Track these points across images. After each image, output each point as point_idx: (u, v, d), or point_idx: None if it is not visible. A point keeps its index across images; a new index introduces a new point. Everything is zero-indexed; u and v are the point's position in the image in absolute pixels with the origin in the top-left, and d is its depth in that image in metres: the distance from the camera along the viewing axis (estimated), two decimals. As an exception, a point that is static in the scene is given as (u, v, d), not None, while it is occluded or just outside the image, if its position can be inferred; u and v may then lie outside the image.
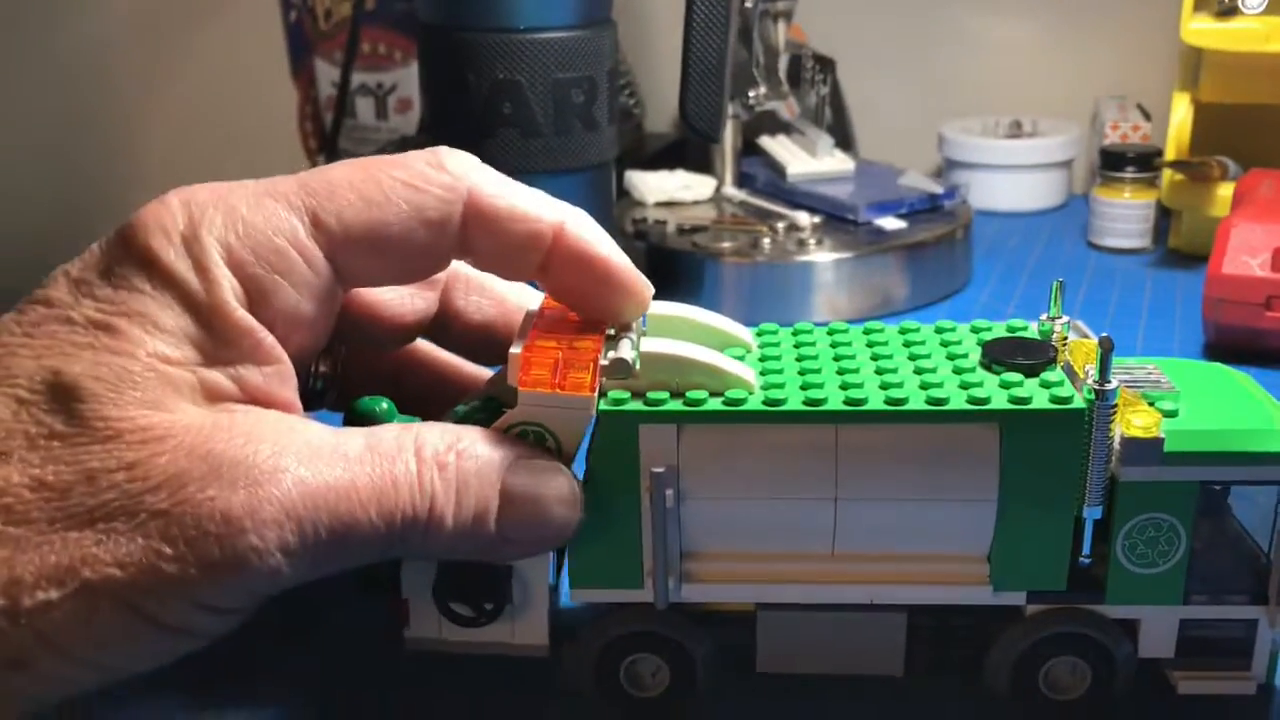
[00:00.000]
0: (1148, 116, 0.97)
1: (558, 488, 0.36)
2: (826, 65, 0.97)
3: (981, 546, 0.38)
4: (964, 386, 0.38)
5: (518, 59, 0.70)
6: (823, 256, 0.80)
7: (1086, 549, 0.38)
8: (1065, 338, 0.42)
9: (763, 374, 0.39)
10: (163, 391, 0.32)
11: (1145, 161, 0.88)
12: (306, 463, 0.32)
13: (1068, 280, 0.86)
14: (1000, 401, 0.37)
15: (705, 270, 0.81)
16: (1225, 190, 0.82)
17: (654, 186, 0.91)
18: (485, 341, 0.44)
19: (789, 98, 0.92)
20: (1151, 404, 0.38)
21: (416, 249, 0.36)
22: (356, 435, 0.34)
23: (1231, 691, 0.39)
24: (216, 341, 0.33)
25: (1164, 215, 0.90)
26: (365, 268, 0.36)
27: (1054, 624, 0.39)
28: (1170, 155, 0.85)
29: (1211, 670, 0.39)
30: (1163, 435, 0.37)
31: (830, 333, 0.43)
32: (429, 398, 0.45)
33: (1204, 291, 0.69)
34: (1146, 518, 0.37)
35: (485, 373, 0.46)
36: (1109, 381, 0.37)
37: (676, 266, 0.82)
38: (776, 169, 0.91)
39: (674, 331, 0.40)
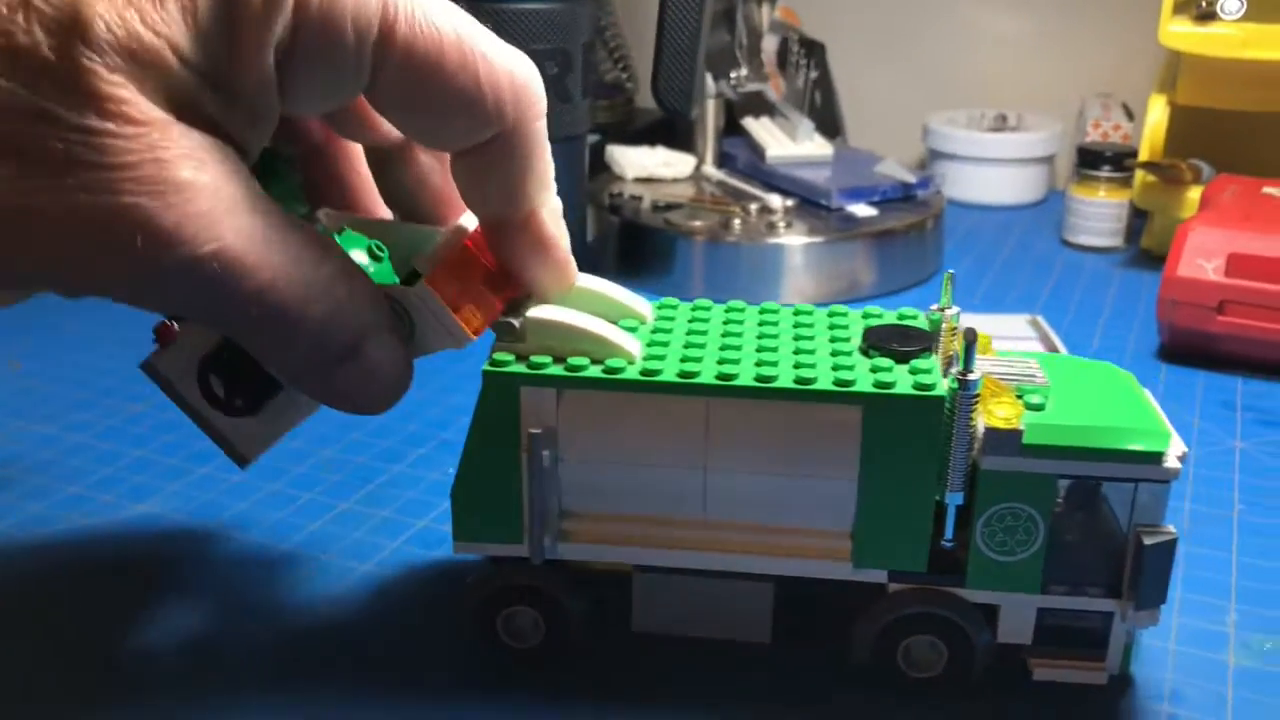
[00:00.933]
0: (1131, 117, 0.97)
1: (400, 374, 0.36)
2: (816, 50, 0.97)
3: (845, 523, 0.40)
4: (834, 369, 0.39)
5: (492, 29, 0.71)
6: (792, 240, 0.81)
7: (948, 533, 0.39)
8: (955, 328, 0.44)
9: (649, 345, 0.40)
10: (162, 83, 0.30)
11: (1121, 161, 0.88)
12: (242, 231, 0.31)
13: (1037, 275, 0.87)
14: (864, 385, 0.38)
15: (676, 248, 0.82)
16: (1195, 193, 0.82)
17: (634, 161, 0.92)
18: (409, 199, 0.43)
19: (775, 79, 0.93)
20: (1020, 397, 0.39)
21: (440, 132, 0.35)
22: (289, 217, 0.33)
23: (1084, 681, 0.40)
24: (235, 72, 0.31)
25: (1139, 215, 0.90)
26: (390, 102, 0.34)
27: (914, 604, 0.40)
28: (1144, 156, 0.85)
29: (1067, 659, 0.41)
30: (1022, 427, 0.38)
31: (727, 310, 0.44)
32: (325, 191, 0.43)
33: (1159, 293, 0.70)
34: (1005, 507, 0.39)
35: (381, 210, 0.44)
36: (972, 371, 0.38)
37: (648, 243, 0.84)
38: (757, 151, 0.92)
39: (572, 300, 0.41)
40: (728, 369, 0.38)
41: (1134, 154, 0.87)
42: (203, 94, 0.31)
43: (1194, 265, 0.68)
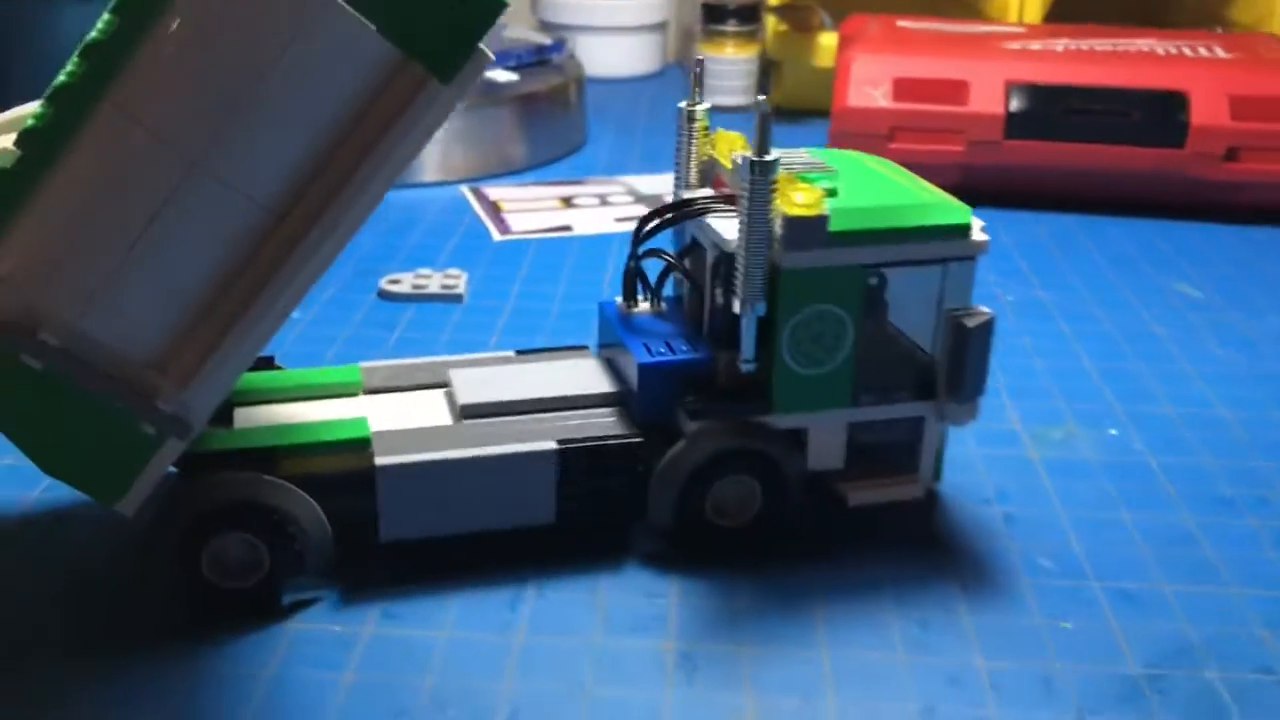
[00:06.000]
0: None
1: None
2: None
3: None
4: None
5: None
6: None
7: (748, 353, 0.34)
8: (708, 126, 0.38)
9: None
10: None
11: (747, 14, 0.86)
12: None
13: (674, 140, 0.84)
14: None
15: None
16: (828, 40, 0.82)
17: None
18: None
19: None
20: (810, 184, 0.34)
21: None
22: None
23: (900, 497, 0.36)
24: None
25: (763, 75, 0.89)
26: None
27: (718, 441, 0.34)
28: (772, 2, 0.83)
29: (880, 477, 0.36)
30: (827, 213, 0.32)
31: None
32: None
33: (830, 128, 0.68)
34: (813, 310, 0.33)
35: None
36: (768, 151, 0.32)
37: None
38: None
39: None
40: None
41: (757, 6, 0.85)
42: None
43: (863, 94, 0.67)
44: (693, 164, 0.38)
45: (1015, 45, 0.69)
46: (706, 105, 0.38)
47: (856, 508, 0.36)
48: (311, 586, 0.33)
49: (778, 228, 0.32)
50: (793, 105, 0.86)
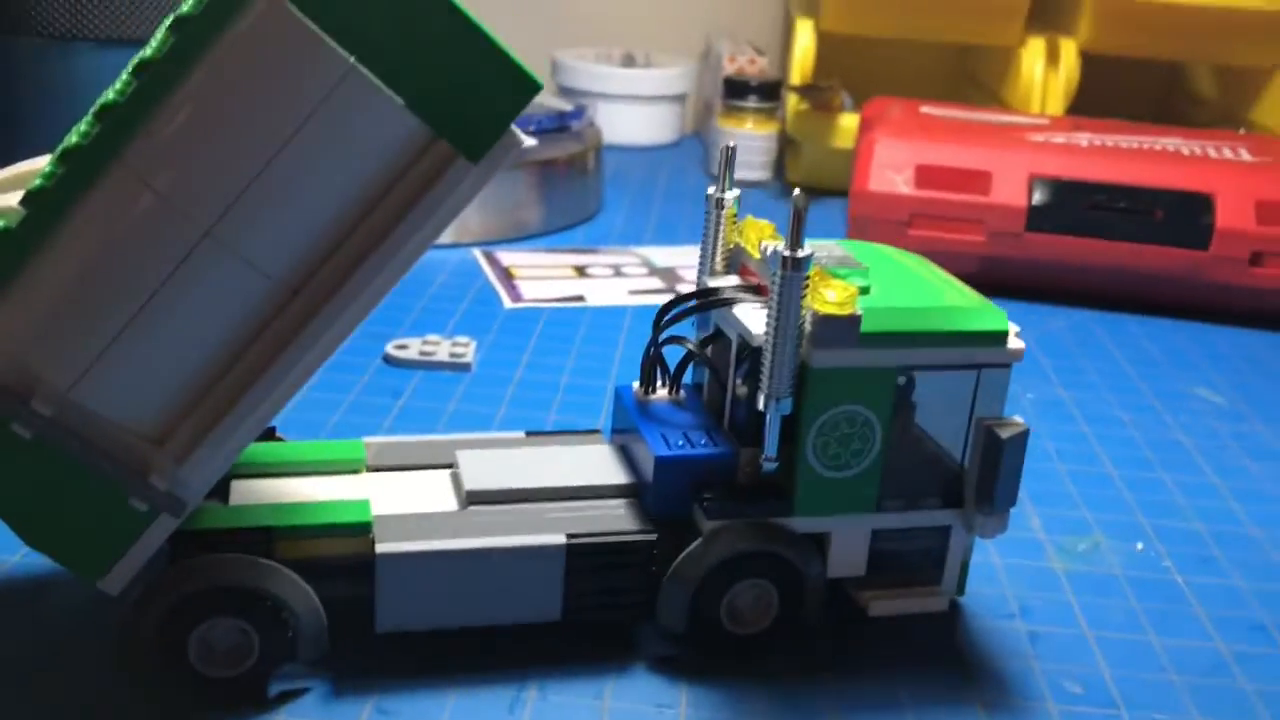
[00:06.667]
0: (761, 52, 0.95)
1: None
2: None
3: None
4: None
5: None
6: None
7: (771, 450, 0.32)
8: (735, 213, 0.37)
9: None
10: None
11: (769, 91, 0.85)
12: None
13: (694, 211, 0.83)
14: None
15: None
16: (848, 121, 0.81)
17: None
18: None
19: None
20: (842, 280, 0.33)
21: None
22: None
23: (924, 609, 0.35)
24: None
25: (779, 152, 0.89)
26: None
27: (736, 542, 0.32)
28: (795, 81, 0.83)
29: (902, 588, 0.35)
30: (859, 312, 0.31)
31: None
32: None
33: (849, 210, 0.67)
34: (840, 411, 0.32)
35: None
36: (802, 247, 0.31)
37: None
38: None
39: None
40: None
41: (779, 83, 0.85)
42: None
43: (884, 179, 0.66)
44: (719, 251, 0.37)
45: (1039, 137, 0.68)
46: (736, 193, 0.37)
47: (876, 618, 0.34)
48: (302, 676, 0.31)
49: (808, 324, 0.31)
50: (809, 185, 0.85)
